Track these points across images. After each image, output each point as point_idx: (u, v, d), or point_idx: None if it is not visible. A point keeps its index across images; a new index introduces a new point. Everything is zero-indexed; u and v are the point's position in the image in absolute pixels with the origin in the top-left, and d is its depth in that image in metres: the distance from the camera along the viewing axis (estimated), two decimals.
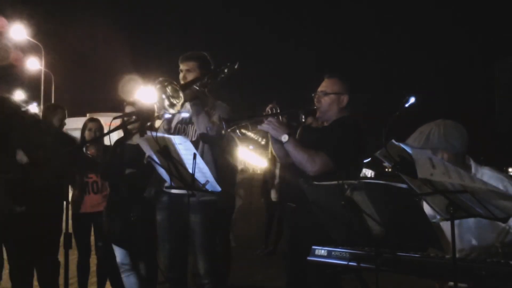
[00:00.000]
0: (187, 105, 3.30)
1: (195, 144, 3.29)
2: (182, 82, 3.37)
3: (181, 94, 3.08)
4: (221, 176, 3.36)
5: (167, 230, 3.37)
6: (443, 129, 2.50)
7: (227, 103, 3.46)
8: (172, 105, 3.11)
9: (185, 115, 3.37)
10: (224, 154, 4.09)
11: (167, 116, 3.26)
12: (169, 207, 3.35)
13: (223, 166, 3.61)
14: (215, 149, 3.37)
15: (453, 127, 2.52)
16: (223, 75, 3.38)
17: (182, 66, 3.42)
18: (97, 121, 4.71)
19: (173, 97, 3.10)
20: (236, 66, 3.37)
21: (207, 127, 3.20)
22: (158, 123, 3.71)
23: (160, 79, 3.09)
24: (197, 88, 3.29)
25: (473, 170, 2.51)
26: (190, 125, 3.43)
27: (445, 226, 2.53)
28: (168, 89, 3.09)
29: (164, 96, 3.10)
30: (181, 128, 3.47)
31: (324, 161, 2.88)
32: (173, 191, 3.24)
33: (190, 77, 3.37)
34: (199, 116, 3.24)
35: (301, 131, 3.30)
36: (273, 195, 7.49)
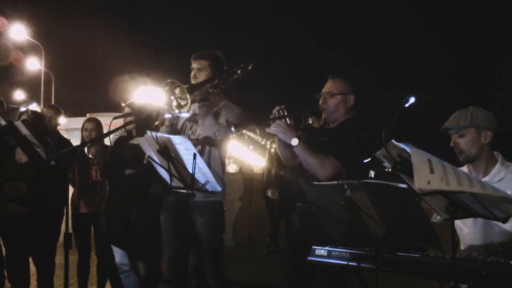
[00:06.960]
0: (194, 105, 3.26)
1: (200, 142, 3.29)
2: (192, 80, 3.33)
3: (188, 96, 3.04)
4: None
5: (169, 231, 3.34)
6: (484, 110, 2.56)
7: (238, 105, 3.37)
8: (179, 107, 3.07)
9: (185, 115, 3.36)
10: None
11: (167, 116, 3.25)
12: (174, 207, 3.30)
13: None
14: (222, 149, 3.35)
15: (489, 112, 2.58)
16: (236, 76, 3.32)
17: (193, 65, 3.38)
18: (93, 121, 4.69)
19: (181, 98, 3.06)
20: (250, 67, 3.31)
21: (215, 132, 3.18)
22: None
23: (169, 80, 3.05)
24: (207, 88, 3.25)
25: (499, 164, 2.54)
26: (198, 124, 3.38)
27: (459, 222, 2.53)
28: (177, 91, 3.05)
29: (172, 98, 3.05)
30: (189, 126, 3.43)
31: (335, 166, 2.83)
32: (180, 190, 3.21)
33: (201, 76, 3.33)
34: (206, 118, 3.23)
35: (305, 132, 3.26)
36: (269, 192, 7.55)
